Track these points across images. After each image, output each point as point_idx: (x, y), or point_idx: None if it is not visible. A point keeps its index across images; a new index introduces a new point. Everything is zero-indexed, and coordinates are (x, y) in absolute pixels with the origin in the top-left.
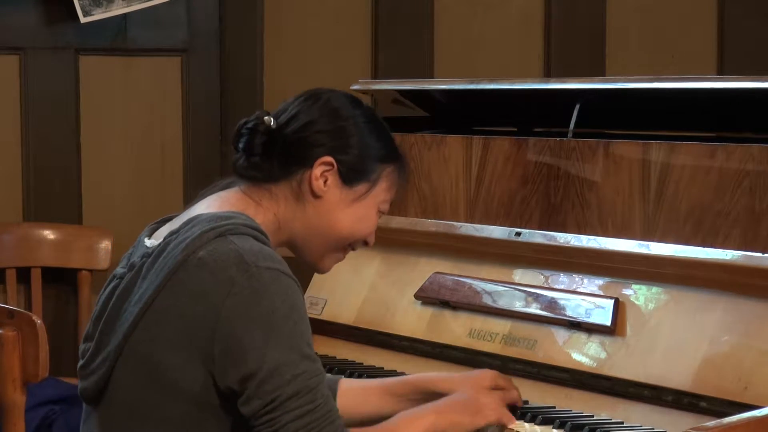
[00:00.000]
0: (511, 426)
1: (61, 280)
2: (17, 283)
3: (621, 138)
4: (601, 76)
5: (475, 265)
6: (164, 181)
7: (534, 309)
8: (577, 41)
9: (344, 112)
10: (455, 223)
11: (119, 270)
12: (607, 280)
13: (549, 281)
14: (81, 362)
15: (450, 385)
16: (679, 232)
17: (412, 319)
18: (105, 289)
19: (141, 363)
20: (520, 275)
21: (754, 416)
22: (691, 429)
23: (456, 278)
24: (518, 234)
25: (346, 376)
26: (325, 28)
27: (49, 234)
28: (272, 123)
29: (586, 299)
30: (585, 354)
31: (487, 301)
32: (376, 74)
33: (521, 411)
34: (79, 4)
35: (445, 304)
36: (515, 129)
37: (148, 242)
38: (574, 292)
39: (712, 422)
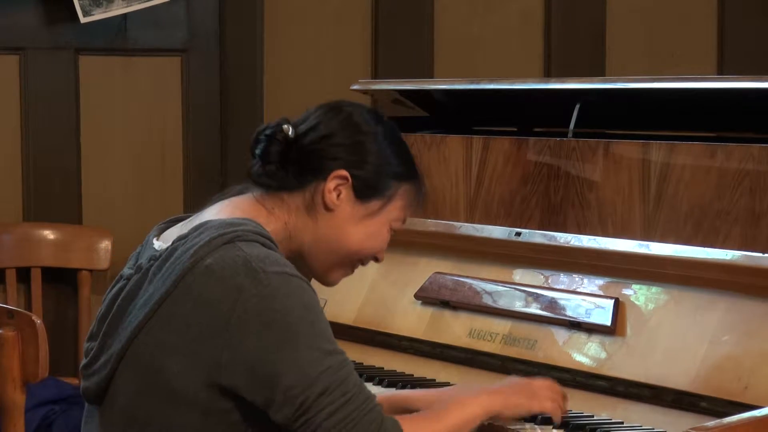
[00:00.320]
0: (510, 426)
1: (61, 280)
2: (17, 283)
3: (621, 138)
4: (601, 76)
5: (475, 265)
6: (164, 181)
7: (534, 309)
8: (577, 41)
9: (364, 127)
10: (455, 223)
11: (126, 271)
12: (607, 280)
13: (549, 281)
14: (84, 361)
15: (428, 405)
16: (679, 232)
17: (412, 319)
18: (111, 289)
19: (143, 368)
20: (520, 275)
21: (754, 416)
22: (691, 429)
23: (456, 278)
24: (518, 234)
25: None
26: (325, 28)
27: (49, 234)
28: (291, 132)
29: (586, 299)
30: (585, 354)
31: (487, 301)
32: (376, 74)
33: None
34: (79, 4)
35: (445, 304)
36: (515, 129)
37: (157, 244)
38: (574, 292)
39: (712, 422)
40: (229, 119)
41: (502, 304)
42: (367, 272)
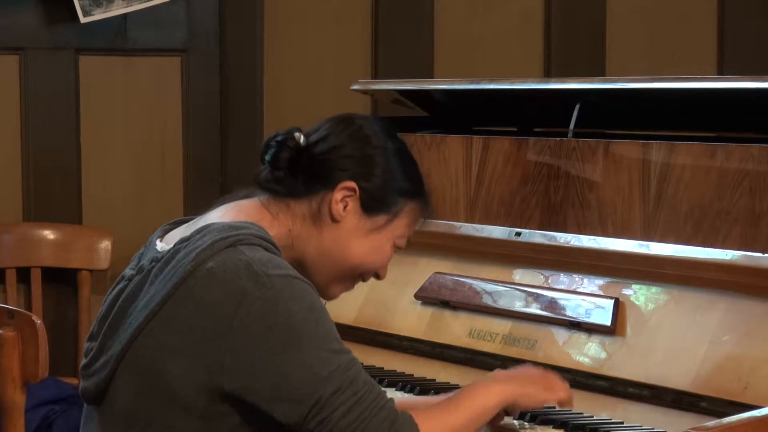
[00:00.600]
0: (510, 426)
1: (61, 280)
2: (17, 283)
3: (621, 138)
4: (601, 76)
5: (475, 265)
6: (164, 181)
7: (534, 309)
8: (577, 41)
9: (374, 140)
10: (455, 223)
11: (128, 271)
12: (607, 280)
13: (549, 281)
14: (84, 361)
15: None
16: (679, 232)
17: (412, 319)
18: (113, 290)
19: (143, 370)
20: (520, 275)
21: (754, 416)
22: (691, 429)
23: (456, 278)
24: (518, 234)
25: None
26: (325, 28)
27: (49, 234)
28: (302, 140)
29: (586, 299)
30: (585, 354)
31: (487, 301)
32: (376, 74)
33: (521, 411)
34: (79, 4)
35: (445, 304)
36: (515, 129)
37: (159, 245)
38: (574, 292)
39: (712, 422)
40: (229, 119)
41: (502, 304)
42: None
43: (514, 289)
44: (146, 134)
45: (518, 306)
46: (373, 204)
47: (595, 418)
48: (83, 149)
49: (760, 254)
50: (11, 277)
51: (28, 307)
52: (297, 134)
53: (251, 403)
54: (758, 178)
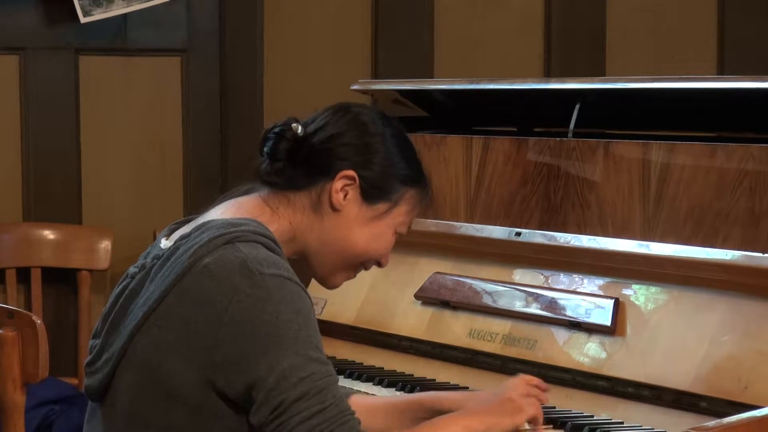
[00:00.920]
0: None
1: (61, 280)
2: (17, 283)
3: (621, 138)
4: (601, 76)
5: (475, 265)
6: (164, 181)
7: (534, 309)
8: (577, 41)
9: (372, 128)
10: (455, 223)
11: (132, 269)
12: (607, 280)
13: (549, 281)
14: (87, 359)
15: (459, 405)
16: (679, 232)
17: (412, 319)
18: (117, 287)
19: (143, 366)
20: (520, 275)
21: (754, 416)
22: (691, 429)
23: (456, 278)
24: (518, 234)
25: (345, 377)
26: (325, 28)
27: (49, 234)
28: (300, 130)
29: (586, 299)
30: (585, 354)
31: (487, 301)
32: (376, 74)
33: None
34: (79, 4)
35: (445, 304)
36: (515, 129)
37: (163, 243)
38: (574, 292)
39: (712, 422)
40: (229, 119)
41: (502, 304)
42: (368, 272)
43: (514, 289)
44: (146, 134)
45: (518, 306)
46: (373, 192)
47: (595, 418)
48: (83, 149)
49: (760, 254)
50: (11, 277)
51: (28, 307)
52: (295, 125)
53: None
54: (758, 178)
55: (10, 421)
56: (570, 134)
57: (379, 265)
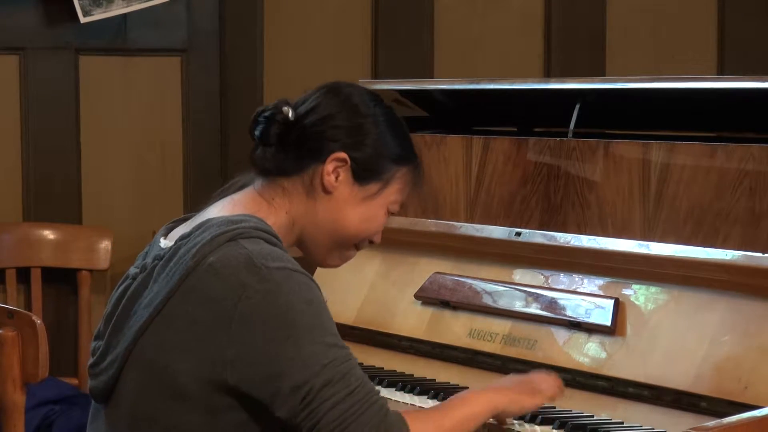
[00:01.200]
0: (510, 426)
1: (61, 280)
2: (17, 283)
3: (621, 138)
4: (601, 76)
5: (475, 265)
6: (164, 181)
7: (534, 309)
8: (577, 41)
9: (363, 109)
10: (455, 223)
11: (132, 270)
12: (607, 280)
13: (549, 281)
14: (91, 360)
15: None
16: (679, 232)
17: (412, 319)
18: (118, 288)
19: (149, 367)
20: (520, 275)
21: (754, 416)
22: (691, 429)
23: (456, 278)
24: (518, 234)
25: None
26: (325, 28)
27: (49, 234)
28: (290, 113)
29: (586, 299)
30: (585, 354)
31: (487, 301)
32: (376, 74)
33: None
34: (79, 4)
35: (445, 304)
36: (515, 129)
37: (163, 243)
38: (574, 292)
39: (712, 422)
40: (229, 119)
41: (502, 304)
42: (367, 272)
43: (514, 289)
44: (146, 134)
45: (518, 306)
46: (364, 173)
47: (595, 418)
48: (83, 149)
49: (760, 254)
50: (11, 277)
51: (28, 307)
52: (285, 108)
53: (255, 398)
54: (758, 178)
55: (10, 421)
56: (570, 134)
57: (371, 243)
